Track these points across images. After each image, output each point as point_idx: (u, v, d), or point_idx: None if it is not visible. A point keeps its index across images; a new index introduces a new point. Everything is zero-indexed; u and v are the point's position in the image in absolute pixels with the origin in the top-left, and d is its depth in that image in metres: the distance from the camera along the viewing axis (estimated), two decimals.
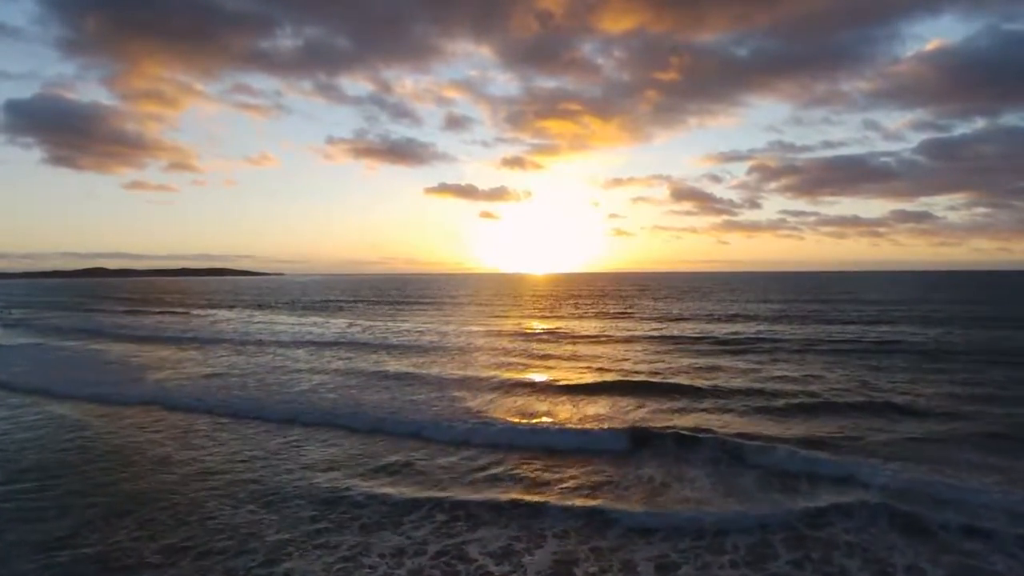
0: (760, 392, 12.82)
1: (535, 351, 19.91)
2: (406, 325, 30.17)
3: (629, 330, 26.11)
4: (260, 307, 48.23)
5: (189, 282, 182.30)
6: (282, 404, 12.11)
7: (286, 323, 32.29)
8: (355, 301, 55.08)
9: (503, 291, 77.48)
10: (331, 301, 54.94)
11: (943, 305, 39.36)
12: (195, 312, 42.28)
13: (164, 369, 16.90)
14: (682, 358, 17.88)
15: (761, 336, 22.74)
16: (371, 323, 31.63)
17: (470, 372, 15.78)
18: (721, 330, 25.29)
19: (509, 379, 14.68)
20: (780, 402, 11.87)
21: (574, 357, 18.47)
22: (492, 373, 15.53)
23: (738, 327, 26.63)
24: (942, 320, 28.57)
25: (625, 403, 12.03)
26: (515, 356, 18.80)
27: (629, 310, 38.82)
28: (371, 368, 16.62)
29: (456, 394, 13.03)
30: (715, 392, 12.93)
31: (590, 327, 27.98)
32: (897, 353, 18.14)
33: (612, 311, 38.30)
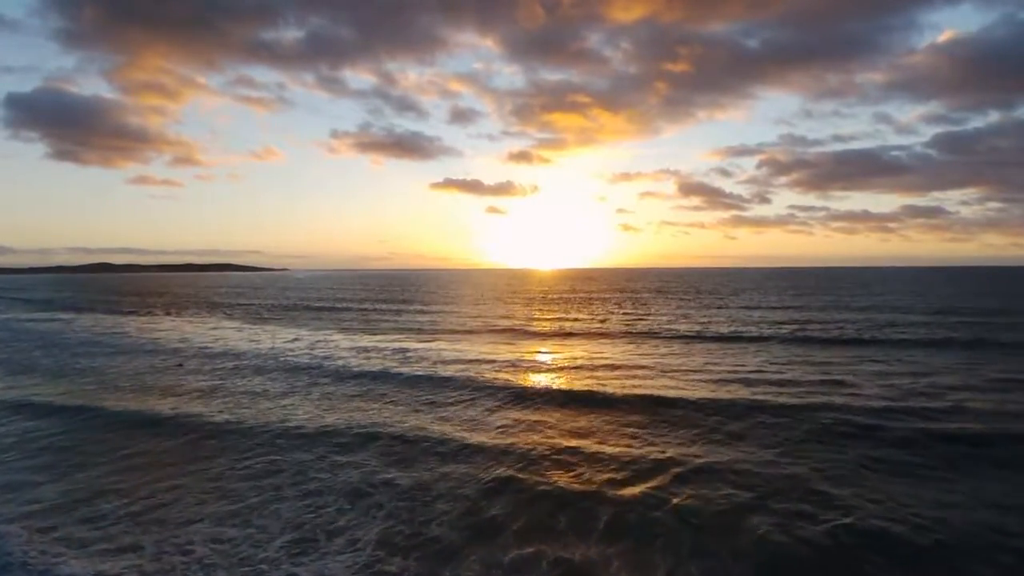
0: None
1: (544, 427, 11.21)
2: (364, 342, 21.90)
3: (685, 368, 17.26)
4: (212, 310, 40.50)
5: (187, 278, 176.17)
6: None
7: (206, 338, 23.90)
8: (329, 308, 47.12)
9: (505, 291, 68.87)
10: (308, 304, 47.14)
11: None
12: (107, 316, 34.15)
13: None
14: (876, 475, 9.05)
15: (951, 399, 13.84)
16: (321, 339, 23.36)
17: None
18: (832, 369, 16.41)
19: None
20: None
21: (615, 443, 9.72)
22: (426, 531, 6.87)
23: (861, 362, 17.73)
24: None
25: None
26: (499, 436, 10.09)
27: (660, 324, 30.05)
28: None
29: None
30: None
31: (618, 358, 19.22)
32: None
33: (641, 326, 29.46)
